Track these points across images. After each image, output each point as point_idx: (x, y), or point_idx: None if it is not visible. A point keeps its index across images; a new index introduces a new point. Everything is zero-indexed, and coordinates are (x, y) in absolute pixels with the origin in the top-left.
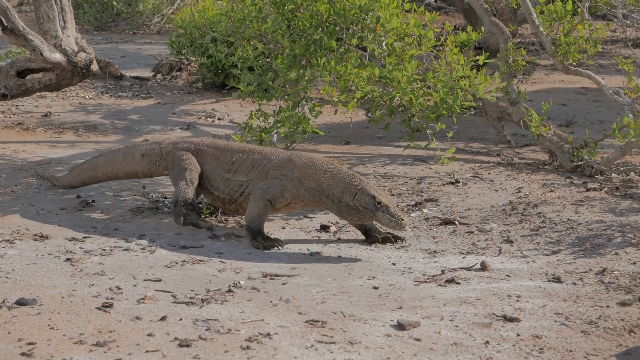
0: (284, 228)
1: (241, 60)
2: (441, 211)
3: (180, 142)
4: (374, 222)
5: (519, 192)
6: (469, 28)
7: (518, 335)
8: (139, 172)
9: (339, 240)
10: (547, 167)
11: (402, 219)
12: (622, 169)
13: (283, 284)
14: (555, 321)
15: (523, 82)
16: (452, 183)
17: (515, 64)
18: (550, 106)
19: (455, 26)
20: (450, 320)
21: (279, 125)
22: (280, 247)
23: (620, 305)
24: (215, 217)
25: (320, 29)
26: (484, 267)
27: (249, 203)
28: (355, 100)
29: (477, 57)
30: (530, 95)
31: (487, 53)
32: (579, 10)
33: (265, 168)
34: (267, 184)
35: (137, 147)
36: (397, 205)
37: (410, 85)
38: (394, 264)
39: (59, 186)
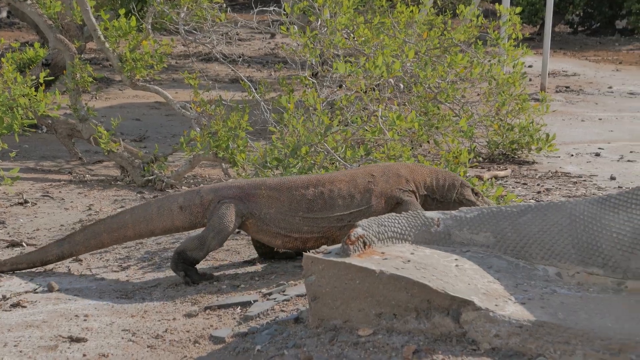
0: None
1: None
2: (8, 233)
3: (222, 187)
4: None
5: (90, 209)
6: (37, 44)
7: (84, 355)
8: (179, 227)
9: None
10: (119, 182)
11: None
12: (192, 181)
13: None
14: (123, 338)
15: (97, 98)
16: (21, 203)
17: (83, 80)
18: (120, 122)
19: (27, 42)
20: (15, 346)
21: None
22: None
23: (186, 317)
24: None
25: None
26: (50, 288)
27: None
28: None
29: (41, 75)
30: (104, 111)
31: (48, 71)
32: (143, 26)
33: (378, 192)
34: (409, 204)
35: (172, 199)
36: None
37: None
38: None
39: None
